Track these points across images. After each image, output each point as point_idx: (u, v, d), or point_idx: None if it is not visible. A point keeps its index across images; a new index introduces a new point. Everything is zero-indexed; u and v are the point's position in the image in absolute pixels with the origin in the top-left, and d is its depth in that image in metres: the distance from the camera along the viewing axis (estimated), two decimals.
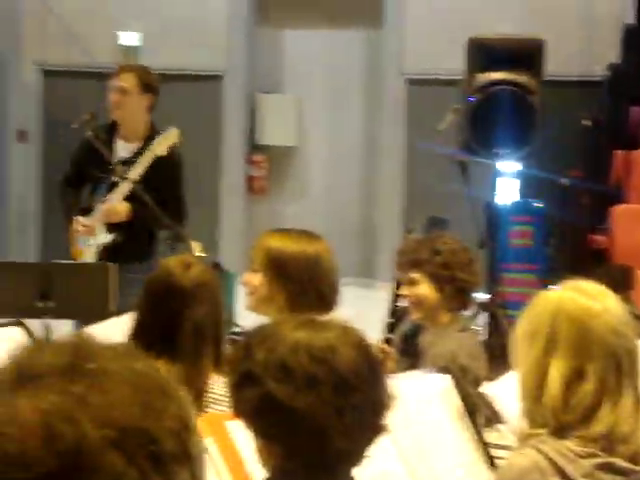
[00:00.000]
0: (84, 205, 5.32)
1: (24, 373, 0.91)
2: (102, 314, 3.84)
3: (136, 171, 4.98)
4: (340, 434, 1.76)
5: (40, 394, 0.89)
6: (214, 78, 11.17)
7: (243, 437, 2.04)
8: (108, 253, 5.12)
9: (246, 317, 3.22)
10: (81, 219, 5.17)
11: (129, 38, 11.08)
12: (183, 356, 2.78)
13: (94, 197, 5.26)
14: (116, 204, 5.05)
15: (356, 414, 1.78)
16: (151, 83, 5.20)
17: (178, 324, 2.81)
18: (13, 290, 4.44)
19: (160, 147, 5.00)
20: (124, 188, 5.03)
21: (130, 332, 2.89)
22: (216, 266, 7.03)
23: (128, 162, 5.08)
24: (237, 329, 6.26)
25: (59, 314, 4.48)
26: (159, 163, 5.01)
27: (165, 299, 2.86)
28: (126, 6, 10.99)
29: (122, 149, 5.19)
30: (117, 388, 0.91)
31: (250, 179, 11.38)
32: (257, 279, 3.01)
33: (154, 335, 2.80)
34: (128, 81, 5.13)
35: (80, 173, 5.31)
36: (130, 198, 5.05)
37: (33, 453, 0.86)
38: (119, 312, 3.61)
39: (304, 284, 2.93)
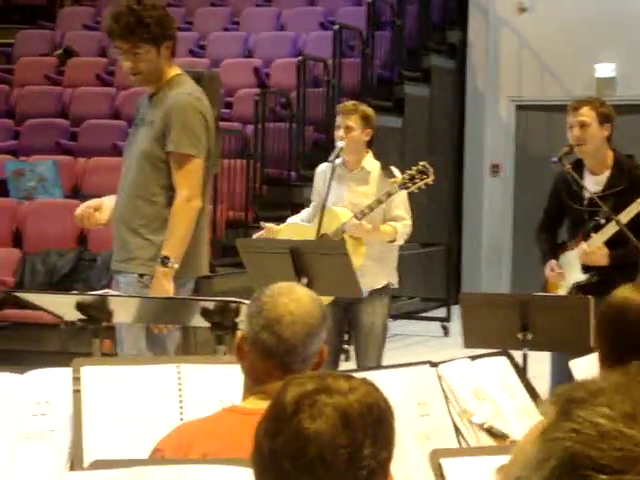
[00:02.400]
0: (561, 241, 5.35)
1: None
2: (581, 348, 3.82)
3: (626, 216, 4.92)
4: None
5: None
6: None
7: None
8: (582, 287, 5.11)
9: None
10: (553, 263, 5.20)
11: (605, 70, 10.98)
12: None
13: (572, 233, 5.27)
14: (595, 252, 5.01)
15: None
16: (608, 113, 5.16)
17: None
18: (497, 321, 4.55)
19: None
20: (609, 230, 4.99)
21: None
22: None
23: (602, 197, 5.05)
24: None
25: (537, 346, 4.53)
26: None
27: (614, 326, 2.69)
28: (601, 38, 10.91)
29: (591, 183, 5.17)
30: None
31: None
32: None
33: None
34: (587, 115, 5.11)
35: (558, 207, 5.34)
36: (612, 238, 5.00)
37: None
38: None
39: None
